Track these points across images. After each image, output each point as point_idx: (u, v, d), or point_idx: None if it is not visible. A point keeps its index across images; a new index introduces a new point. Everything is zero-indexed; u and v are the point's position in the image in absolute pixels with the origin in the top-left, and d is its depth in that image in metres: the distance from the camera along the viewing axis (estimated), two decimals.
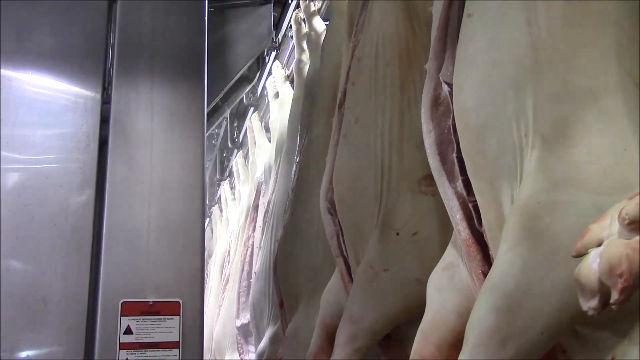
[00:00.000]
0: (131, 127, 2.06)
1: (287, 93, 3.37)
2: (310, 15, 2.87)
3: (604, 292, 0.55)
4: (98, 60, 2.10)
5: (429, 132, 1.26)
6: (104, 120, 2.05)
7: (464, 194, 1.17)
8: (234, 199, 4.82)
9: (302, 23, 3.10)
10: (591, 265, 0.57)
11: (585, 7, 1.00)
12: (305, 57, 3.02)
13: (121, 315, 1.84)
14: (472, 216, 1.15)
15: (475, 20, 1.12)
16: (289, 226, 2.44)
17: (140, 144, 2.04)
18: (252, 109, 4.27)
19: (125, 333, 1.83)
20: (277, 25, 3.37)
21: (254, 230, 3.64)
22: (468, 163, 1.14)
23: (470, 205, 1.16)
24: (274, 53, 3.54)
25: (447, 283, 1.19)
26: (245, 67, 2.89)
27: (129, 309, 1.85)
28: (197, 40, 2.23)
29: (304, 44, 3.05)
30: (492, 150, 1.06)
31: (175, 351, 1.85)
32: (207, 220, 5.76)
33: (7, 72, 1.99)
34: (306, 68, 2.95)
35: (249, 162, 4.29)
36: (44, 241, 1.87)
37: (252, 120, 4.15)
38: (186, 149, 2.09)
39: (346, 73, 1.86)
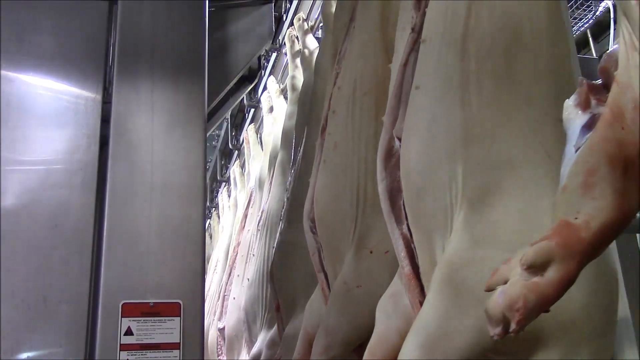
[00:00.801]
0: (132, 128, 2.06)
1: (281, 107, 3.47)
2: (303, 33, 2.90)
3: (505, 322, 0.70)
4: (98, 61, 2.10)
5: (381, 180, 1.44)
6: (105, 121, 2.05)
7: (408, 235, 1.35)
8: (230, 207, 4.93)
9: (296, 40, 3.19)
10: (497, 300, 0.71)
11: (509, 88, 1.17)
12: (299, 73, 3.10)
13: (122, 317, 1.84)
14: (414, 255, 1.33)
15: (421, 92, 1.29)
16: (284, 234, 2.53)
17: (140, 145, 2.04)
18: (249, 119, 4.36)
19: (125, 334, 1.83)
20: (277, 27, 3.39)
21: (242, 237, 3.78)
22: (409, 215, 1.33)
23: (412, 245, 1.34)
24: (274, 54, 3.55)
25: (392, 308, 1.37)
26: (246, 67, 2.89)
27: (130, 310, 1.85)
28: (197, 41, 2.24)
29: (297, 61, 3.13)
30: (428, 208, 1.23)
31: (176, 352, 1.85)
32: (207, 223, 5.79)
33: (7, 73, 1.99)
34: (299, 84, 3.01)
35: (245, 172, 4.42)
36: (44, 242, 1.87)
37: (248, 132, 4.27)
38: (187, 150, 2.09)
39: (328, 101, 1.98)
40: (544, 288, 0.71)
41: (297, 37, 2.98)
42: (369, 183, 1.73)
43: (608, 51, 0.89)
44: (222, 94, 2.74)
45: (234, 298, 3.48)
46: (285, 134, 3.04)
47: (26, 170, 1.93)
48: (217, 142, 5.57)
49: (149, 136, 2.05)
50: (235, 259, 3.83)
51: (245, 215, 3.87)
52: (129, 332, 1.83)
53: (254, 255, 3.22)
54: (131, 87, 2.10)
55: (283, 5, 3.31)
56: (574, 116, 0.89)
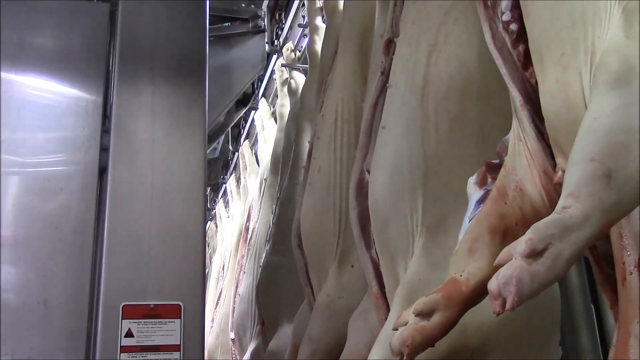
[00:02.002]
0: (132, 130, 2.06)
1: (271, 129, 3.68)
2: (291, 64, 2.99)
3: (401, 354, 0.86)
4: (99, 63, 2.11)
5: (353, 209, 1.60)
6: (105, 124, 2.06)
7: (376, 258, 1.50)
8: (228, 217, 5.08)
9: (284, 71, 3.34)
10: (396, 337, 0.87)
11: (464, 128, 1.32)
12: (287, 101, 3.25)
13: (122, 318, 1.84)
14: (381, 276, 1.46)
15: (387, 131, 1.45)
16: (270, 255, 2.72)
17: (141, 147, 2.04)
18: (245, 131, 4.46)
19: (126, 336, 1.83)
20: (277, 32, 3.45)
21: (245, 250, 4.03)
22: (375, 240, 1.47)
23: (380, 267, 1.48)
24: (274, 56, 3.57)
25: (362, 324, 1.54)
26: (240, 93, 2.95)
27: (130, 312, 1.85)
28: (198, 44, 2.24)
29: (285, 90, 3.30)
30: (393, 235, 1.38)
31: (176, 354, 1.85)
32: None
33: (8, 76, 1.99)
34: (286, 110, 3.17)
35: (241, 185, 4.56)
36: (45, 244, 1.87)
37: (244, 147, 4.46)
38: (187, 152, 2.09)
39: (314, 128, 2.17)
40: (429, 330, 0.87)
41: (286, 66, 3.07)
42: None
43: (504, 137, 1.09)
44: (222, 113, 2.80)
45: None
46: (274, 160, 3.26)
47: (26, 172, 1.93)
48: (217, 143, 5.57)
49: (149, 138, 2.06)
50: (239, 271, 4.00)
51: (247, 229, 4.03)
52: (129, 334, 1.83)
53: (244, 272, 3.47)
54: (132, 89, 2.11)
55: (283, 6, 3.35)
56: (472, 191, 1.09)
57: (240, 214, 4.39)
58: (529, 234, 0.71)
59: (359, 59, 2.00)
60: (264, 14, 3.46)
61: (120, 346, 1.82)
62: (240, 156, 4.55)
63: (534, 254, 0.69)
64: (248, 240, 3.61)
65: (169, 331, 1.87)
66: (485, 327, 1.08)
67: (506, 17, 1.05)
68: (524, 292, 0.69)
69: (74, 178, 1.95)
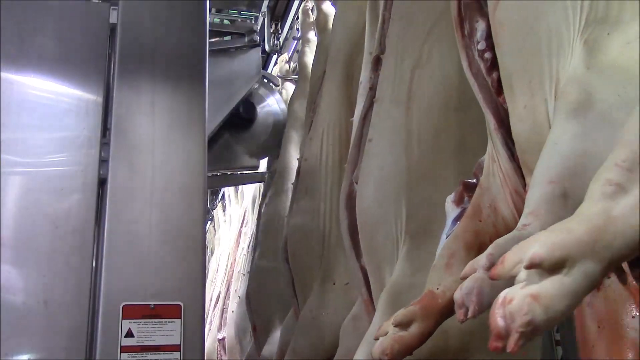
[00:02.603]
0: (132, 130, 2.06)
1: None
2: (286, 73, 3.01)
3: None
4: (99, 63, 2.11)
5: (343, 219, 1.68)
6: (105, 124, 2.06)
7: (365, 267, 1.57)
8: (225, 221, 5.16)
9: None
10: (376, 345, 0.95)
11: (446, 140, 1.39)
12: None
13: (122, 318, 1.84)
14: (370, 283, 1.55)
15: (374, 144, 1.53)
16: (258, 260, 2.89)
17: (141, 147, 2.04)
18: None
19: (126, 336, 1.83)
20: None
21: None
22: (362, 249, 1.55)
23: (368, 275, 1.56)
24: (275, 56, 3.58)
25: (352, 329, 1.62)
26: (235, 107, 2.98)
27: (130, 312, 1.85)
28: (198, 43, 2.24)
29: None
30: (379, 242, 1.45)
31: (177, 354, 1.85)
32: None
33: (8, 75, 1.99)
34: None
35: (238, 190, 4.68)
36: (45, 244, 1.87)
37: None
38: (187, 152, 2.09)
39: (302, 149, 2.32)
40: (407, 339, 0.92)
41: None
42: (333, 225, 2.00)
43: (480, 159, 1.16)
44: (216, 127, 2.82)
45: (233, 312, 3.78)
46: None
47: (27, 172, 1.93)
48: None
49: (149, 138, 2.06)
50: (232, 274, 4.15)
51: (240, 234, 4.08)
52: (129, 334, 1.83)
53: (243, 274, 3.57)
54: (132, 89, 2.11)
55: (284, 7, 3.37)
56: (450, 210, 1.16)
57: (237, 218, 4.48)
58: (490, 249, 0.75)
59: (345, 84, 2.11)
60: (263, 16, 3.50)
61: (121, 346, 1.82)
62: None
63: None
64: (248, 245, 3.71)
65: (169, 331, 1.87)
66: (466, 330, 1.11)
67: (481, 46, 1.13)
68: (484, 301, 0.74)
69: (74, 178, 1.95)
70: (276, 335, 2.57)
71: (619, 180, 0.64)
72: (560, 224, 0.66)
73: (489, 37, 1.11)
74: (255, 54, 3.02)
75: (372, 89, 1.63)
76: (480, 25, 1.14)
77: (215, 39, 2.99)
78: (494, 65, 1.11)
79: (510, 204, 1.04)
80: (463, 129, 1.39)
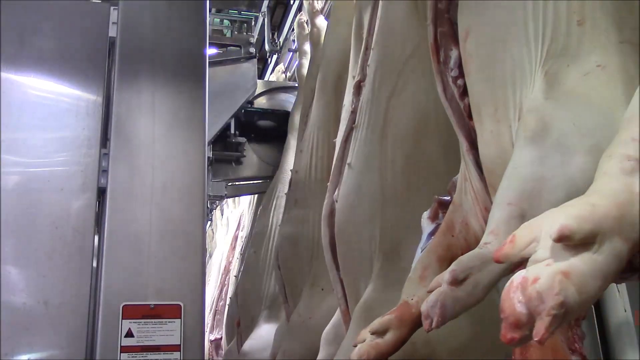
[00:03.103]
0: (133, 130, 2.06)
1: None
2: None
3: None
4: (100, 63, 2.11)
5: (325, 236, 1.76)
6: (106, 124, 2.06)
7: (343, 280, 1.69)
8: (223, 224, 5.24)
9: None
10: (354, 353, 1.03)
11: (418, 165, 1.48)
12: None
13: (122, 318, 1.84)
14: None
15: (352, 168, 1.64)
16: (249, 258, 3.00)
17: (141, 148, 2.04)
18: None
19: (126, 336, 1.83)
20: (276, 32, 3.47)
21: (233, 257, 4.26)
22: (340, 264, 1.67)
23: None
24: (275, 56, 3.58)
25: (332, 337, 1.73)
26: (231, 119, 3.01)
27: (130, 312, 1.85)
28: (198, 44, 2.24)
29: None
30: (355, 259, 1.57)
31: (177, 354, 1.85)
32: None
33: (8, 76, 1.99)
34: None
35: None
36: (45, 244, 1.87)
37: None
38: (187, 152, 2.09)
39: (294, 161, 2.44)
40: (382, 346, 0.99)
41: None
42: (320, 234, 2.05)
43: (454, 177, 1.22)
44: (213, 137, 2.87)
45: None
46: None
47: (27, 172, 1.93)
48: None
49: (150, 138, 2.06)
50: (226, 277, 4.27)
51: (236, 237, 4.14)
52: (129, 334, 1.83)
53: (235, 277, 3.69)
54: (132, 89, 2.11)
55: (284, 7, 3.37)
56: (425, 225, 1.24)
57: (234, 221, 4.57)
58: (453, 266, 0.80)
59: (334, 100, 2.19)
60: (263, 16, 3.51)
61: (121, 346, 1.82)
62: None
63: (456, 282, 0.79)
64: (242, 248, 3.83)
65: (169, 331, 1.87)
66: (433, 340, 1.16)
67: (454, 73, 1.20)
68: (447, 313, 0.79)
69: (74, 178, 1.95)
70: (258, 332, 2.72)
71: (638, 155, 0.62)
72: (579, 199, 0.63)
73: (461, 64, 1.17)
74: (252, 66, 3.09)
75: (354, 112, 1.73)
76: (454, 54, 1.21)
77: (212, 51, 3.05)
78: (466, 91, 1.16)
79: (480, 220, 1.09)
80: (435, 154, 1.49)
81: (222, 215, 5.35)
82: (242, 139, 3.03)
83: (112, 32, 2.19)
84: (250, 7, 3.41)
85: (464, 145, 1.15)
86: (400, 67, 1.57)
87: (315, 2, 2.70)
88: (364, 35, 1.77)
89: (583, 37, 0.94)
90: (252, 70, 3.07)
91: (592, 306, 1.89)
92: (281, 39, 3.37)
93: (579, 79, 0.89)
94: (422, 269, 1.10)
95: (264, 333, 2.66)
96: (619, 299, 1.58)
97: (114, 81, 2.10)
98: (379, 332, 1.01)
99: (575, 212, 0.59)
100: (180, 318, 1.88)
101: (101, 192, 1.98)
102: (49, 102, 2.02)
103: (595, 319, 1.85)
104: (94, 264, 1.91)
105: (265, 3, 3.56)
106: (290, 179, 2.42)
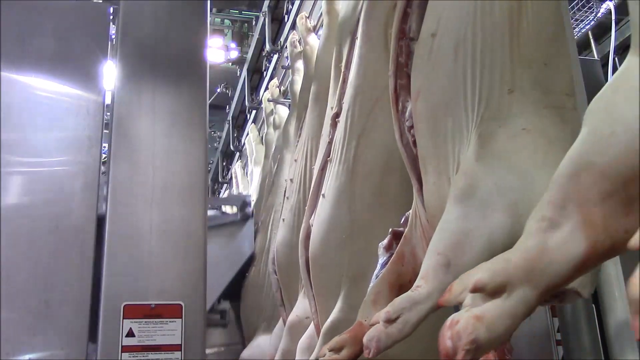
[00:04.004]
0: (133, 130, 2.06)
1: (261, 152, 3.95)
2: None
3: None
4: (100, 63, 2.11)
5: (301, 256, 1.96)
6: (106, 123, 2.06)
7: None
8: None
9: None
10: None
11: (383, 198, 1.66)
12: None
13: (123, 318, 1.84)
14: None
15: (325, 200, 1.80)
16: (250, 277, 3.15)
17: (142, 147, 2.04)
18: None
19: (127, 336, 1.83)
20: (279, 28, 3.47)
21: None
22: (313, 284, 1.87)
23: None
24: (275, 56, 3.58)
25: (306, 346, 1.95)
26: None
27: (131, 311, 1.85)
28: (198, 44, 2.24)
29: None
30: (325, 281, 1.79)
31: (178, 354, 1.85)
32: None
33: (9, 75, 1.99)
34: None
35: (248, 172, 4.68)
36: (46, 244, 1.87)
37: (236, 168, 4.85)
38: (188, 152, 2.09)
39: (289, 169, 2.62)
40: None
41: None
42: None
43: (407, 212, 1.36)
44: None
45: None
46: (262, 182, 3.56)
47: (27, 172, 1.93)
48: (218, 143, 5.58)
49: (150, 138, 2.06)
50: None
51: None
52: (130, 334, 1.84)
53: None
54: (133, 89, 2.11)
55: (285, 6, 3.37)
56: (380, 254, 1.38)
57: None
58: (388, 307, 0.96)
59: (324, 113, 2.25)
60: (264, 16, 3.51)
61: (122, 346, 1.82)
62: (233, 175, 4.97)
63: (390, 321, 0.95)
64: None
65: (170, 331, 1.87)
66: (389, 353, 1.25)
67: (409, 123, 1.32)
68: (381, 346, 0.95)
69: (75, 178, 1.96)
70: (257, 341, 2.92)
71: (552, 216, 0.74)
72: (501, 255, 0.78)
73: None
74: (249, 228, 3.21)
75: (331, 143, 1.88)
76: (410, 105, 1.33)
77: (210, 214, 3.12)
78: None
79: (426, 252, 1.22)
80: (397, 190, 1.64)
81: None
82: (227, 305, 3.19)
83: (113, 31, 2.19)
84: (251, 7, 3.42)
85: (415, 186, 1.32)
86: (371, 107, 1.71)
87: (308, 21, 2.82)
88: (342, 69, 1.91)
89: (512, 104, 1.09)
90: (249, 233, 3.21)
91: (593, 306, 1.89)
92: (286, 29, 3.36)
93: (506, 141, 1.04)
94: (375, 294, 1.28)
95: (262, 342, 2.84)
96: (618, 299, 1.58)
97: (114, 81, 2.10)
98: (336, 349, 1.21)
99: (491, 266, 0.75)
100: (181, 318, 1.89)
101: (102, 192, 1.98)
102: (49, 102, 2.02)
103: (596, 318, 1.85)
104: (95, 264, 1.91)
105: (266, 3, 3.56)
106: (285, 188, 2.55)
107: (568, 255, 0.71)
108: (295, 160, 2.44)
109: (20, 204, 1.89)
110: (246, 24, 7.32)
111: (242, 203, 3.22)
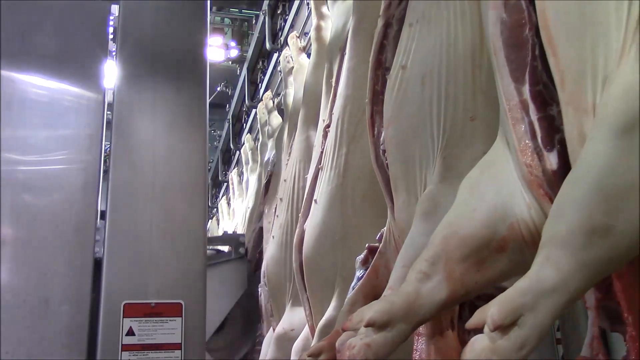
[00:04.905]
0: (133, 129, 2.06)
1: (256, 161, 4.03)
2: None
3: None
4: (101, 62, 2.11)
5: (295, 260, 2.02)
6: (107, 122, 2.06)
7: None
8: (229, 214, 5.23)
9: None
10: None
11: (373, 203, 1.72)
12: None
13: (123, 317, 1.84)
14: None
15: (318, 205, 1.89)
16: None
17: (142, 146, 2.04)
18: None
19: (127, 334, 1.83)
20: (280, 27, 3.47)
21: None
22: (307, 286, 1.94)
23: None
24: (275, 55, 3.58)
25: (301, 348, 2.01)
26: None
27: (132, 310, 1.85)
28: (198, 43, 2.24)
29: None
30: (319, 283, 1.87)
31: (178, 352, 1.85)
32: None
33: (9, 74, 1.99)
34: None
35: (243, 180, 4.72)
36: (46, 243, 1.87)
37: (233, 176, 4.93)
38: (188, 151, 2.09)
39: (279, 189, 2.72)
40: None
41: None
42: None
43: (382, 229, 1.48)
44: None
45: None
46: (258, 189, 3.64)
47: (28, 171, 1.93)
48: (218, 142, 5.58)
49: (150, 137, 2.06)
50: None
51: None
52: (130, 333, 1.84)
53: None
54: (133, 88, 2.11)
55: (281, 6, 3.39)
56: (357, 267, 1.49)
57: (240, 214, 4.53)
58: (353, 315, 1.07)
59: (312, 136, 2.38)
60: (264, 15, 3.52)
61: (122, 345, 1.82)
62: (230, 183, 5.05)
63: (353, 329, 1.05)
64: None
65: (170, 330, 1.87)
66: None
67: (383, 147, 1.42)
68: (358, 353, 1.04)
69: (75, 176, 1.95)
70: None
71: (425, 270, 0.96)
72: (388, 297, 1.01)
73: None
74: (242, 266, 3.22)
75: (321, 153, 1.98)
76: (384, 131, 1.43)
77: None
78: None
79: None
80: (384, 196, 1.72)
81: (228, 205, 5.34)
82: None
83: (113, 30, 2.19)
84: (251, 5, 3.42)
85: (389, 205, 1.42)
86: (360, 116, 1.78)
87: (298, 40, 3.00)
88: (333, 84, 2.01)
89: (474, 130, 1.22)
90: (242, 271, 3.23)
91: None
92: (286, 28, 3.38)
93: (468, 164, 1.12)
94: (351, 304, 1.41)
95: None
96: None
97: (115, 80, 2.10)
98: (314, 355, 1.33)
99: (381, 307, 0.94)
100: (181, 317, 1.89)
101: (102, 192, 1.98)
102: (50, 101, 2.02)
103: None
104: (95, 263, 1.91)
105: (266, 2, 3.56)
106: (276, 206, 2.65)
107: (434, 301, 0.95)
108: (285, 180, 2.55)
109: (20, 203, 1.89)
110: (246, 23, 7.34)
111: (237, 243, 3.25)
